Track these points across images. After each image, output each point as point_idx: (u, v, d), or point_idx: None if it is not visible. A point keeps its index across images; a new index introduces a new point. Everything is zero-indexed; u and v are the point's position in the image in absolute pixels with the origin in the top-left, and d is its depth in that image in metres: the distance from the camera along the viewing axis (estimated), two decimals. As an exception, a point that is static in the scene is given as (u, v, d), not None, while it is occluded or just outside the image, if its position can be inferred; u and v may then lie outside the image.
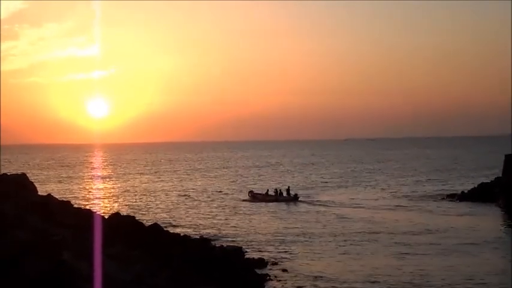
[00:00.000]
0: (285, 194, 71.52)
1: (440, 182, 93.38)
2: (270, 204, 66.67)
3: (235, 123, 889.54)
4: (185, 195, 78.22)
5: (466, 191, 70.33)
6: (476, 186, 70.71)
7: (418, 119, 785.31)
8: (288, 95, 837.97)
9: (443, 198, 69.65)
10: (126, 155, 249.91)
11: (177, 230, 44.01)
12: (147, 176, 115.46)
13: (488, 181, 70.81)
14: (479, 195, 65.78)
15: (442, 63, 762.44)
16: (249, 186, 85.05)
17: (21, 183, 29.67)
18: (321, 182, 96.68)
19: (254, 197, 72.30)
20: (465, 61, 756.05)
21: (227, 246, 37.84)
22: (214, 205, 66.41)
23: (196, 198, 74.42)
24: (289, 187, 74.00)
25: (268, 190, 74.21)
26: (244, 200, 70.91)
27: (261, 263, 34.41)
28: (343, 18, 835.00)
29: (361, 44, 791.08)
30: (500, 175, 65.58)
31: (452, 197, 70.12)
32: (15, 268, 18.96)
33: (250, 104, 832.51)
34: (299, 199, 69.74)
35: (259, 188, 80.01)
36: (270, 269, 33.36)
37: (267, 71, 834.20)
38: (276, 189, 73.28)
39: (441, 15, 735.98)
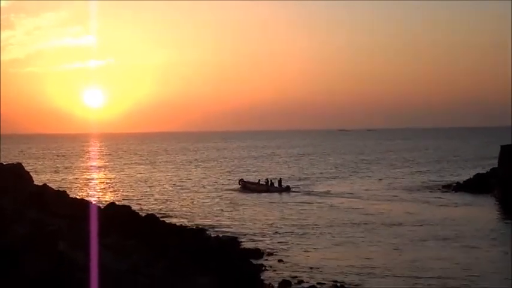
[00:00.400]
0: (276, 185, 71.29)
1: (437, 172, 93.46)
2: (264, 194, 66.53)
3: (233, 113, 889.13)
4: (181, 185, 78.18)
5: (461, 182, 70.46)
6: (472, 177, 70.81)
7: (417, 110, 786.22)
8: (286, 85, 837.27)
9: (439, 189, 69.73)
10: (123, 145, 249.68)
11: (173, 221, 44.04)
12: (143, 166, 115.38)
13: (484, 172, 70.91)
14: (475, 186, 65.92)
15: (442, 56, 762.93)
16: (244, 177, 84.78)
17: (17, 173, 29.60)
18: (317, 173, 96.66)
19: (245, 186, 72.09)
20: (465, 54, 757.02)
21: (223, 236, 37.92)
22: (210, 196, 66.38)
23: (191, 188, 74.39)
24: (281, 179, 73.73)
25: (259, 180, 74.11)
26: (234, 190, 70.68)
27: (257, 253, 34.45)
28: (342, 10, 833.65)
29: (361, 36, 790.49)
30: (496, 166, 65.64)
31: (448, 187, 70.23)
32: (14, 262, 18.92)
33: (248, 94, 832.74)
34: (291, 190, 69.47)
35: (253, 179, 79.79)
36: (266, 259, 33.41)
37: (265, 62, 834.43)
38: (267, 179, 73.11)
39: (442, 15, 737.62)
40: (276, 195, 66.36)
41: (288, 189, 69.85)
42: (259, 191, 68.64)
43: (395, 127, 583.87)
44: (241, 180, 75.48)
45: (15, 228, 20.95)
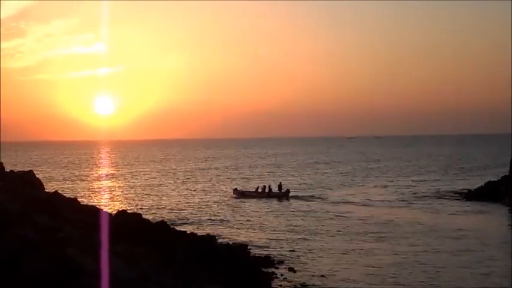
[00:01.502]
0: (276, 189, 71.09)
1: (448, 180, 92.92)
2: (268, 200, 66.38)
3: (241, 120, 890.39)
4: (190, 193, 78.11)
5: (472, 190, 70.04)
6: (483, 184, 70.40)
7: (423, 117, 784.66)
8: (293, 92, 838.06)
9: (450, 197, 69.37)
10: (132, 152, 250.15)
11: (182, 228, 43.89)
12: (153, 174, 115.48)
13: (496, 180, 70.51)
14: (486, 193, 65.39)
15: (445, 63, 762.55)
16: (251, 184, 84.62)
17: (28, 180, 29.68)
18: (327, 180, 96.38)
19: (243, 195, 71.30)
20: (467, 61, 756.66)
21: (232, 243, 37.78)
22: (219, 203, 66.24)
23: (200, 196, 74.29)
24: (280, 183, 73.60)
25: (258, 187, 73.86)
26: (243, 198, 70.25)
27: (267, 261, 34.24)
28: (346, 16, 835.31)
29: (366, 42, 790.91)
30: (507, 174, 65.25)
31: (459, 195, 69.87)
32: (16, 266, 18.92)
33: (256, 101, 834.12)
34: (292, 195, 69.32)
35: (248, 187, 79.18)
36: (277, 268, 33.22)
37: (272, 70, 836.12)
38: (264, 186, 72.90)
39: (442, 15, 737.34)
40: (283, 202, 66.17)
41: (287, 192, 69.67)
42: (260, 197, 68.60)
43: (401, 134, 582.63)
44: (235, 189, 74.16)
45: (16, 229, 20.96)
